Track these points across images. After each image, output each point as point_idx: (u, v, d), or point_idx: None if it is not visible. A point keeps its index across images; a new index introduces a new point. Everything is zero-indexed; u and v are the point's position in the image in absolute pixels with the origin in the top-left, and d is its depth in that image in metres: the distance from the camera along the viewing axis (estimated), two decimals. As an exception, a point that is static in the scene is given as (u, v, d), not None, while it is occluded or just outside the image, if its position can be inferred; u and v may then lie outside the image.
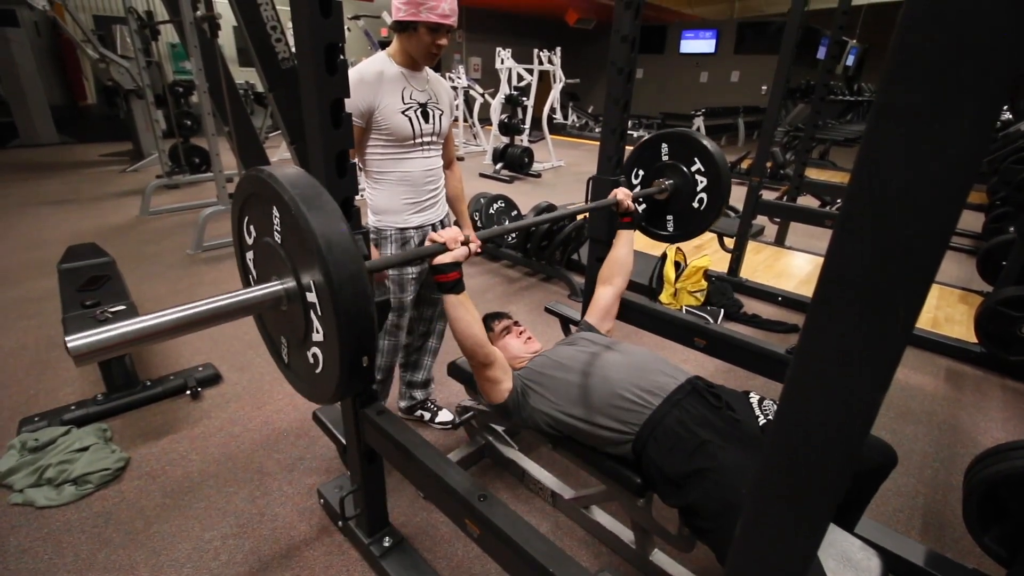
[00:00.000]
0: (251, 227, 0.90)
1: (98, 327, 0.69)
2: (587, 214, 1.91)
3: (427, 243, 1.16)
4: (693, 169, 1.76)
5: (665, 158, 1.82)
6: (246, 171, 0.84)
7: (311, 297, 0.78)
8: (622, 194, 1.65)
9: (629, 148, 1.70)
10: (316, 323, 0.79)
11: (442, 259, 1.14)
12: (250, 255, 0.94)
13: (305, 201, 0.73)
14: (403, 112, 1.55)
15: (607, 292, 1.70)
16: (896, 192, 0.38)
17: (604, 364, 1.34)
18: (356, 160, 1.58)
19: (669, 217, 1.88)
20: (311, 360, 0.85)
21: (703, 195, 1.77)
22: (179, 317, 0.75)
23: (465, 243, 1.17)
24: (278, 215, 0.78)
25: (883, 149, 0.38)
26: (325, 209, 0.74)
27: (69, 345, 0.65)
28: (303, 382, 0.93)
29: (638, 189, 1.89)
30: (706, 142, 1.73)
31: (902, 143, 0.37)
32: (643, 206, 1.89)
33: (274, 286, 0.83)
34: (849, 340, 0.43)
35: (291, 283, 0.81)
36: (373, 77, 1.51)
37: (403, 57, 1.56)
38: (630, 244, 1.73)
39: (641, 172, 1.89)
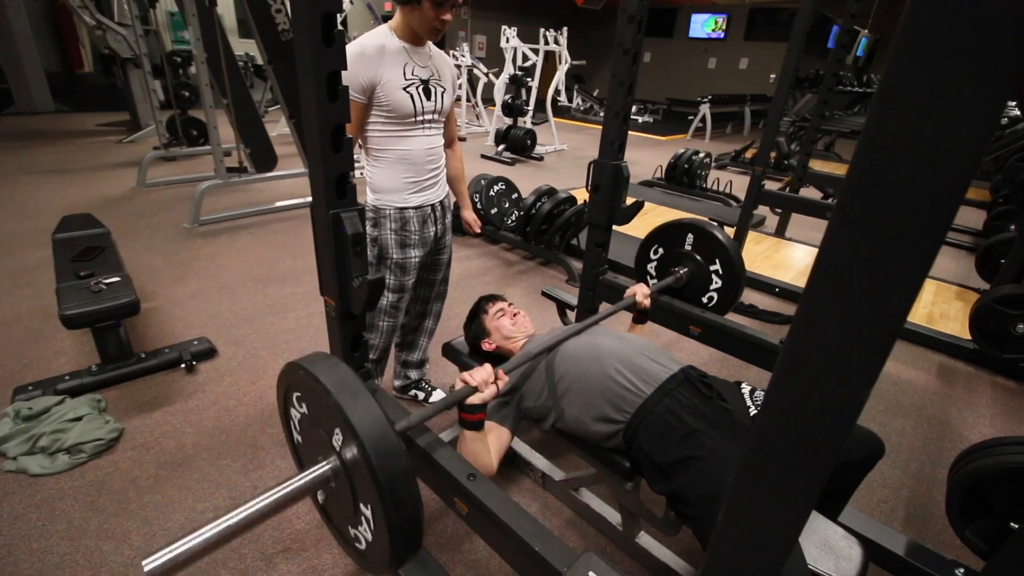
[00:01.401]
0: (302, 404, 0.94)
1: (170, 545, 0.71)
2: (587, 199, 1.90)
3: (458, 384, 1.18)
4: (712, 268, 1.77)
5: (688, 247, 1.82)
6: (287, 366, 0.89)
7: (364, 509, 0.82)
8: (640, 295, 1.64)
9: (632, 133, 1.68)
10: (365, 525, 0.84)
11: (472, 400, 1.17)
12: (296, 419, 0.98)
13: (353, 413, 0.77)
14: (404, 88, 1.52)
15: None
16: (895, 182, 0.37)
17: (597, 352, 1.35)
18: (353, 136, 1.55)
19: (676, 301, 1.89)
20: (352, 535, 0.91)
21: (714, 295, 1.78)
22: (246, 517, 0.79)
23: (495, 380, 1.20)
24: (328, 417, 0.82)
25: (884, 138, 0.37)
26: (373, 423, 0.77)
27: (147, 569, 0.67)
28: (341, 538, 0.99)
29: (653, 276, 1.92)
30: (732, 250, 1.73)
31: (903, 132, 0.36)
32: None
33: (323, 468, 0.87)
34: (840, 330, 0.43)
35: (338, 464, 0.85)
36: (374, 51, 1.48)
37: (406, 31, 1.53)
38: (648, 335, 1.71)
39: (661, 250, 1.89)
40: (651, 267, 1.91)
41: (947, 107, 0.35)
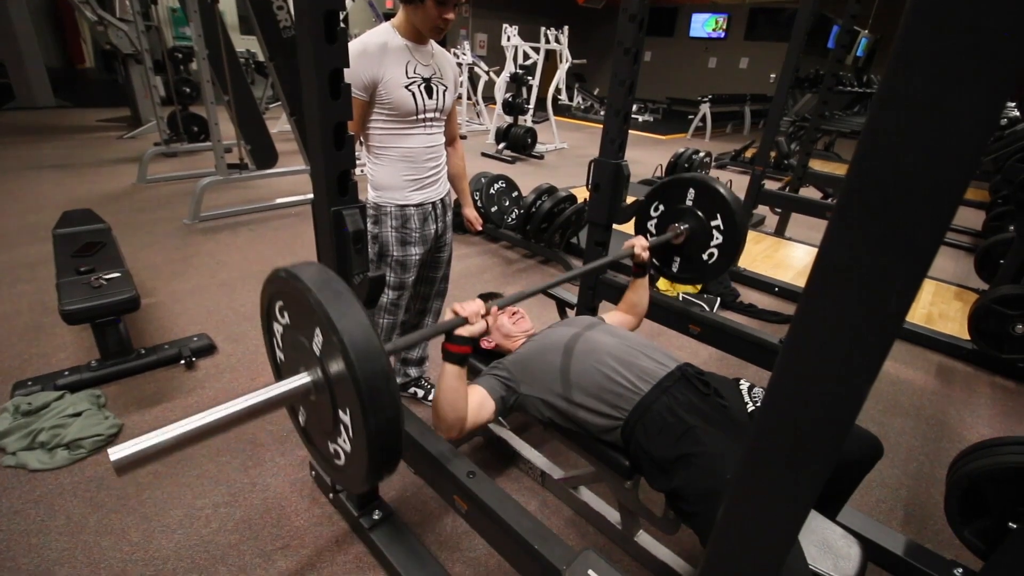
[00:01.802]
0: (284, 313, 0.90)
1: (141, 438, 0.68)
2: (587, 198, 1.90)
3: (448, 314, 1.14)
4: (713, 224, 1.74)
5: (689, 203, 1.78)
6: (272, 272, 0.85)
7: (344, 417, 0.79)
8: (639, 247, 1.61)
9: (633, 132, 1.68)
10: (344, 435, 0.80)
11: (461, 332, 1.11)
12: (279, 333, 0.94)
13: (333, 309, 0.73)
14: (406, 86, 1.52)
15: (627, 318, 1.69)
16: (895, 181, 0.37)
17: (595, 348, 1.35)
18: (354, 134, 1.55)
19: (676, 258, 1.86)
20: (331, 451, 0.87)
21: (715, 251, 1.75)
22: (218, 419, 0.75)
23: (485, 314, 1.14)
24: (309, 321, 0.79)
25: (884, 138, 0.37)
26: (353, 320, 0.74)
27: (112, 459, 0.66)
28: (319, 456, 0.95)
29: (654, 234, 1.87)
30: (731, 203, 1.70)
31: (903, 133, 0.37)
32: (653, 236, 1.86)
33: (303, 378, 0.84)
34: (840, 329, 0.43)
35: (319, 376, 0.83)
36: (376, 49, 1.48)
37: (408, 30, 1.53)
38: (644, 289, 1.70)
39: (662, 207, 1.86)
40: (651, 224, 1.87)
41: (947, 107, 0.35)
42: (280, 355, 0.95)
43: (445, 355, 1.13)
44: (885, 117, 0.37)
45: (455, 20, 1.53)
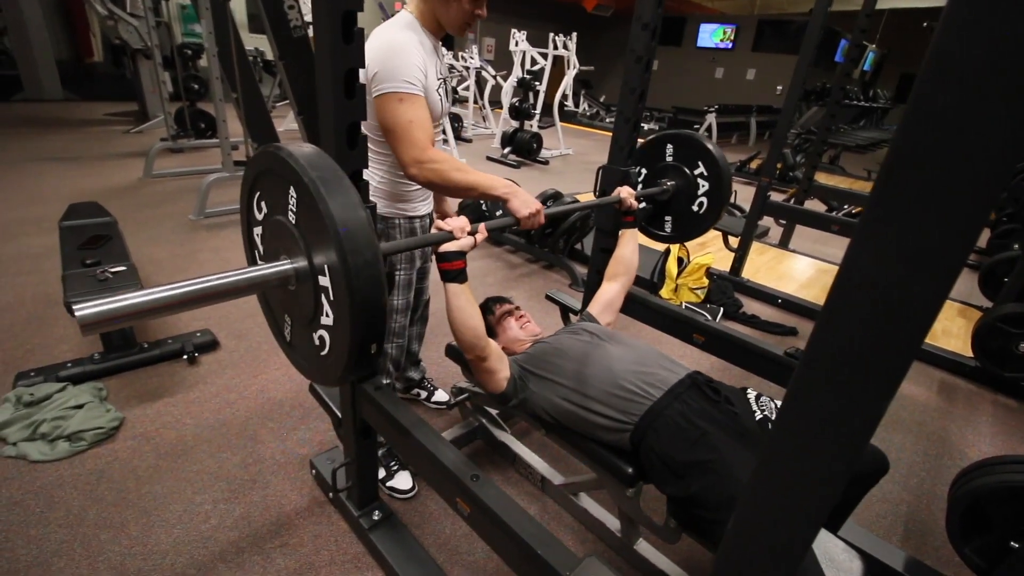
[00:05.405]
0: (262, 202, 0.88)
1: (104, 296, 0.70)
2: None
3: (433, 230, 1.16)
4: (696, 172, 1.75)
5: (669, 159, 1.80)
6: (261, 147, 0.84)
7: (323, 280, 0.77)
8: (626, 192, 1.63)
9: (639, 139, 1.69)
10: (326, 306, 0.78)
11: (448, 247, 1.14)
12: (258, 230, 0.93)
13: (325, 184, 0.72)
14: (437, 88, 1.40)
15: (612, 287, 1.68)
16: (922, 197, 0.37)
17: (606, 355, 1.35)
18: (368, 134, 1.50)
19: (668, 218, 1.87)
20: (316, 342, 0.85)
21: (703, 199, 1.77)
22: (186, 292, 0.75)
23: (472, 233, 1.17)
24: (295, 196, 0.78)
25: (912, 153, 0.38)
26: (344, 193, 0.74)
27: (77, 314, 0.66)
28: (306, 362, 0.93)
29: (640, 188, 1.87)
30: (710, 146, 1.72)
31: (932, 147, 0.37)
32: (643, 204, 1.85)
33: (283, 264, 0.82)
34: (860, 345, 0.43)
35: (302, 263, 0.80)
36: (419, 42, 1.31)
37: (432, 26, 1.38)
38: (634, 242, 1.71)
39: (644, 171, 1.87)
40: (639, 191, 1.91)
41: (977, 123, 0.35)
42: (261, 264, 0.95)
43: (442, 275, 1.17)
44: (914, 132, 0.37)
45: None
